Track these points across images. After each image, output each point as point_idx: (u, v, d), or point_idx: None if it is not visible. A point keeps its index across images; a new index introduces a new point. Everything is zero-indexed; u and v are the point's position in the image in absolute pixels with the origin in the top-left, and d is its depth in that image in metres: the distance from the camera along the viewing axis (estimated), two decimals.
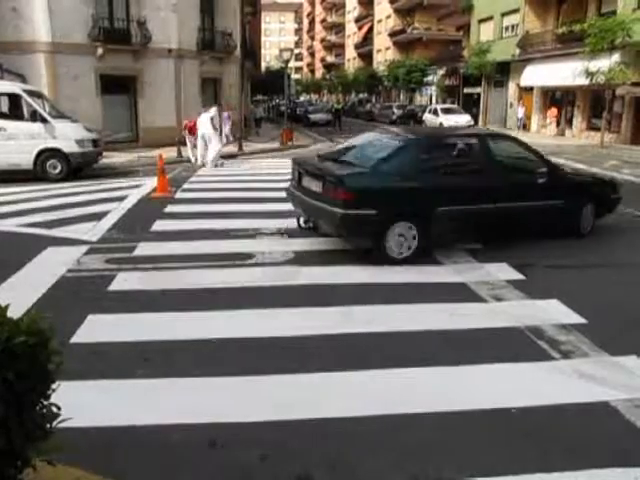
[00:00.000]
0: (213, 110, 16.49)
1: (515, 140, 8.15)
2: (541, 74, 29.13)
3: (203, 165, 16.36)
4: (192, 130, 17.06)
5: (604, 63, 22.55)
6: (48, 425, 2.13)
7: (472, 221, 7.06)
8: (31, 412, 2.08)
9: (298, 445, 3.17)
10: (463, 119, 33.12)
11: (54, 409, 2.15)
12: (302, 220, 7.60)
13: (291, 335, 4.59)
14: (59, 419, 2.15)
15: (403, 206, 6.59)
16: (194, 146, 17.20)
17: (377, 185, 6.56)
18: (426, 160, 7.02)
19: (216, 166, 16.20)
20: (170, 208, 9.88)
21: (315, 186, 6.91)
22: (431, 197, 6.70)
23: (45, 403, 2.14)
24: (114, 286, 5.74)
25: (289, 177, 13.76)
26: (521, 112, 31.81)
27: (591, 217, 8.06)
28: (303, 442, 3.20)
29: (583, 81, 23.43)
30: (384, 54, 58.09)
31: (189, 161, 17.09)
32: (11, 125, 13.27)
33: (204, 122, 16.05)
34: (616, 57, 22.66)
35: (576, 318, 5.00)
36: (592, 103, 27.42)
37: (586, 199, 7.94)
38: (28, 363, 2.02)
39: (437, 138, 8.15)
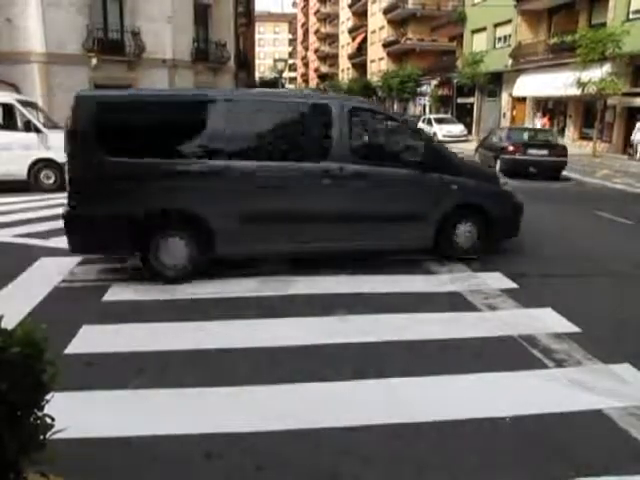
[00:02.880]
0: None
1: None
2: (534, 84, 29.36)
3: None
4: None
5: (595, 73, 22.77)
6: (42, 436, 2.12)
7: None
8: (25, 423, 2.08)
9: (294, 456, 3.16)
10: (456, 129, 33.38)
11: (48, 420, 2.14)
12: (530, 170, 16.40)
13: (287, 345, 4.58)
14: (53, 430, 2.14)
15: None
16: None
17: None
18: None
19: None
20: None
21: (542, 152, 16.41)
22: None
23: (39, 414, 2.13)
24: (108, 296, 5.73)
25: None
26: (539, 124, 28.94)
27: None
28: (299, 453, 3.19)
29: (575, 91, 23.64)
30: (378, 64, 58.42)
31: None
32: (5, 135, 13.24)
33: None
34: (607, 67, 22.88)
35: (570, 327, 5.02)
36: (584, 113, 27.64)
37: None
38: (22, 374, 2.01)
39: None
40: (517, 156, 16.42)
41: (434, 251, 7.10)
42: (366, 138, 7.05)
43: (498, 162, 16.95)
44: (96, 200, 6.01)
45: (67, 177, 5.97)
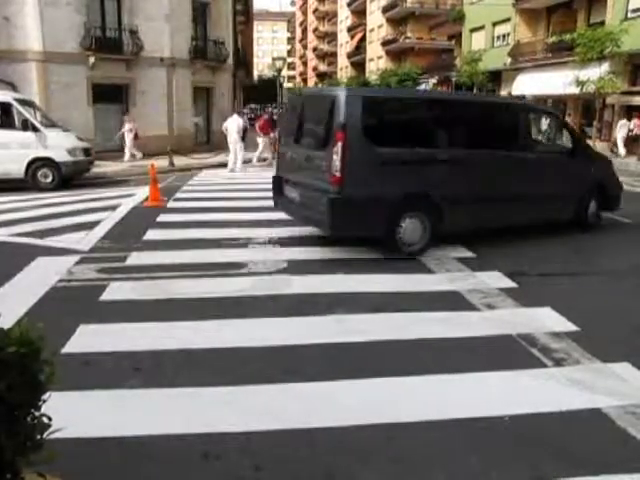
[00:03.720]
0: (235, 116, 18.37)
1: None
2: (532, 83, 29.36)
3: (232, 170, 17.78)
4: (264, 129, 19.08)
5: (594, 72, 22.77)
6: (39, 436, 2.11)
7: None
8: (21, 423, 2.06)
9: (291, 456, 3.15)
10: None
11: (45, 420, 2.13)
12: None
13: (283, 344, 4.57)
14: (50, 430, 2.13)
15: None
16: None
17: None
18: None
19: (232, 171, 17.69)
20: (162, 217, 9.86)
21: None
22: None
23: (36, 414, 2.12)
24: (106, 296, 5.71)
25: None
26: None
27: None
28: (296, 452, 3.18)
29: (574, 90, 23.64)
30: (376, 63, 58.38)
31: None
32: (2, 134, 13.22)
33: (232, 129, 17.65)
34: (605, 66, 22.90)
35: (569, 325, 5.01)
36: (583, 112, 27.66)
37: None
38: (19, 373, 2.00)
39: None
40: None
41: (576, 222, 8.88)
42: (536, 130, 9.10)
43: None
44: (361, 185, 6.88)
45: (338, 165, 6.72)
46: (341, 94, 6.96)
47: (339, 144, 6.68)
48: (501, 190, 7.79)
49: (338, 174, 6.72)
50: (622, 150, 22.82)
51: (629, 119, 23.34)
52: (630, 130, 23.18)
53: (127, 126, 19.93)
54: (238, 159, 17.67)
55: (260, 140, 19.50)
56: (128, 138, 19.85)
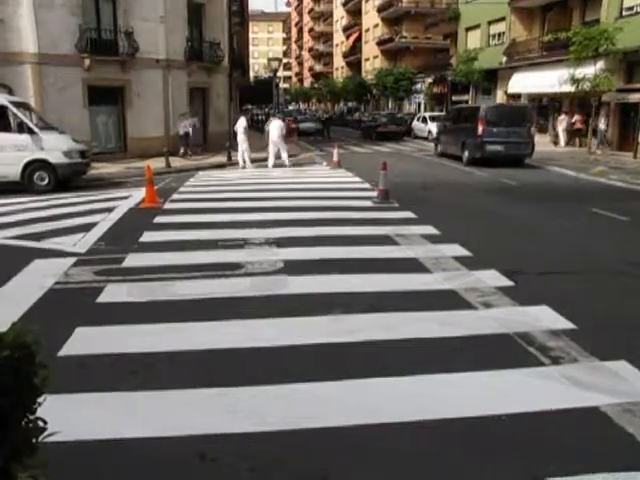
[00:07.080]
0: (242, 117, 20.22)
1: None
2: (528, 81, 29.36)
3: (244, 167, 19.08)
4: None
5: (589, 70, 22.80)
6: (34, 440, 2.10)
7: None
8: (16, 427, 2.05)
9: (286, 456, 3.15)
10: None
11: (40, 423, 2.11)
12: None
13: (279, 345, 4.57)
14: (45, 433, 2.12)
15: None
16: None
17: None
18: None
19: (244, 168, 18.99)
20: (159, 219, 9.84)
21: (394, 126, 34.53)
22: None
23: (31, 417, 2.10)
24: (102, 298, 5.70)
25: (278, 187, 13.78)
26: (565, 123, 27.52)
27: None
28: (291, 453, 3.18)
29: (569, 88, 23.66)
30: (372, 63, 58.36)
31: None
32: None
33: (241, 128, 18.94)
34: (601, 64, 22.92)
35: (566, 324, 5.01)
36: (578, 110, 27.67)
37: None
38: (13, 377, 1.99)
39: None
40: (383, 129, 33.17)
41: None
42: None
43: (374, 133, 32.97)
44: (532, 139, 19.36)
45: (529, 133, 19.24)
46: (527, 105, 19.80)
47: (528, 125, 18.85)
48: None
49: (529, 134, 18.84)
50: (562, 141, 27.31)
51: (568, 114, 27.33)
52: (572, 123, 26.88)
53: None
54: (246, 158, 18.91)
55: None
56: None
